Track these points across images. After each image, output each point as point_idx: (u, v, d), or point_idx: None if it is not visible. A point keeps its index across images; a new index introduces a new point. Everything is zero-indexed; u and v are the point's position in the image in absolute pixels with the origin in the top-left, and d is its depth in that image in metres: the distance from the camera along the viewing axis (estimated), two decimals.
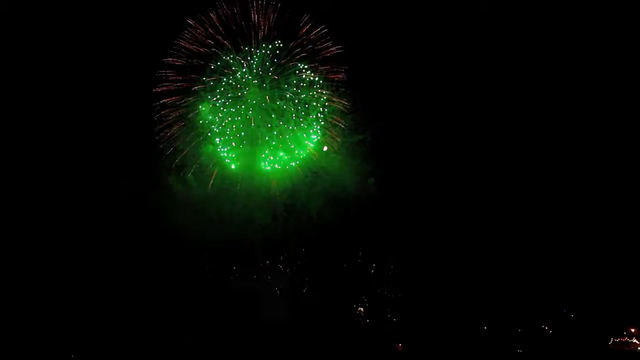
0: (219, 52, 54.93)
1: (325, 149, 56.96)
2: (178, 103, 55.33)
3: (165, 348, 53.61)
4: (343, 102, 55.53)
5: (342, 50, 54.55)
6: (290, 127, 55.64)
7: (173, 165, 56.18)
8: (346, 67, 55.04)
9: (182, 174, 56.49)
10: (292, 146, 56.34)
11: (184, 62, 54.89)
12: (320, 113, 55.74)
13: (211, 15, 54.36)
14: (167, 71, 54.76)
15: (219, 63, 55.17)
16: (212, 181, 56.33)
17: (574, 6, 55.36)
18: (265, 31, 54.39)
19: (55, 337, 52.82)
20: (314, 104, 55.62)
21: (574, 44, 57.04)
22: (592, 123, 57.86)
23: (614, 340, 59.00)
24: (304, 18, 54.16)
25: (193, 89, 54.89)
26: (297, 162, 56.99)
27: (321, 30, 54.42)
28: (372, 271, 60.78)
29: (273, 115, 55.52)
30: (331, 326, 57.78)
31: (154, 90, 54.46)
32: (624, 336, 58.97)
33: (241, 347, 54.20)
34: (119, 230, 56.30)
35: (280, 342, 54.76)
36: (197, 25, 54.88)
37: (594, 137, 58.13)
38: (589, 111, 58.06)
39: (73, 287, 55.05)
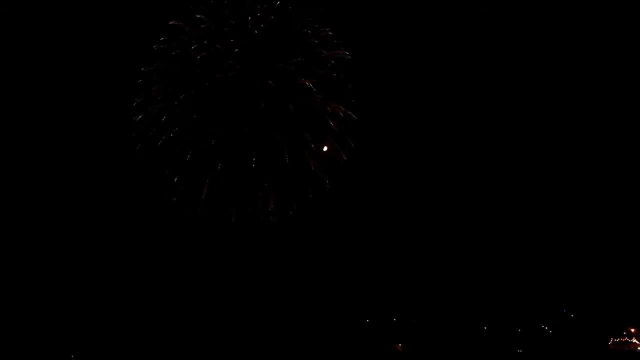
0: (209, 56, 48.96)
1: (325, 148, 55.18)
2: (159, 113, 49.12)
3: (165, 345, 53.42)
4: (345, 110, 51.08)
5: (348, 56, 49.55)
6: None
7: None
8: (346, 71, 50.21)
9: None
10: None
11: (171, 66, 48.64)
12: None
13: (200, 16, 48.28)
14: (153, 76, 48.31)
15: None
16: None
17: (574, 6, 55.17)
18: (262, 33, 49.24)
19: (56, 337, 52.73)
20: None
21: (574, 44, 57.02)
22: (592, 123, 57.94)
23: (613, 340, 58.93)
24: (307, 20, 49.27)
25: (176, 100, 48.24)
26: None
27: (323, 31, 49.71)
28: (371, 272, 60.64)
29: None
30: (332, 326, 57.76)
31: (135, 102, 48.52)
32: (624, 336, 58.90)
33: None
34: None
35: (281, 341, 54.82)
36: (185, 27, 48.66)
37: (595, 137, 58.31)
38: (589, 111, 58.17)
39: (72, 287, 54.99)
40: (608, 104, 57.73)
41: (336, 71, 49.57)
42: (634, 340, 58.59)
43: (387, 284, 60.50)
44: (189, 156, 48.29)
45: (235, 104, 48.55)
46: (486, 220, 58.69)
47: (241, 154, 48.94)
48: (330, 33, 49.69)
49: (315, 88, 49.20)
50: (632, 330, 58.87)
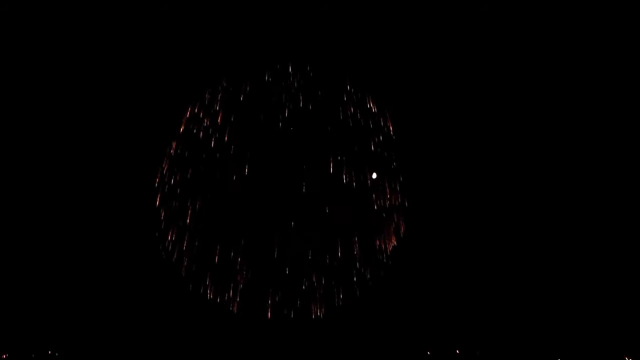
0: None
1: (374, 175, 49.39)
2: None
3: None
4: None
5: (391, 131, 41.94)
6: None
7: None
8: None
9: None
10: None
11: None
12: None
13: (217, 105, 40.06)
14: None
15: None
16: None
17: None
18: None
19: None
20: None
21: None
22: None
23: None
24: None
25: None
26: None
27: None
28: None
29: None
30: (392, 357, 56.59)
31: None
32: None
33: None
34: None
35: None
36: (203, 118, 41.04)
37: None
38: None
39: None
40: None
41: (379, 148, 42.32)
42: None
43: (449, 313, 57.76)
44: (217, 256, 43.66)
45: (264, 203, 42.00)
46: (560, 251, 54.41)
47: (273, 253, 44.29)
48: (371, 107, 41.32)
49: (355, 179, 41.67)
50: None
